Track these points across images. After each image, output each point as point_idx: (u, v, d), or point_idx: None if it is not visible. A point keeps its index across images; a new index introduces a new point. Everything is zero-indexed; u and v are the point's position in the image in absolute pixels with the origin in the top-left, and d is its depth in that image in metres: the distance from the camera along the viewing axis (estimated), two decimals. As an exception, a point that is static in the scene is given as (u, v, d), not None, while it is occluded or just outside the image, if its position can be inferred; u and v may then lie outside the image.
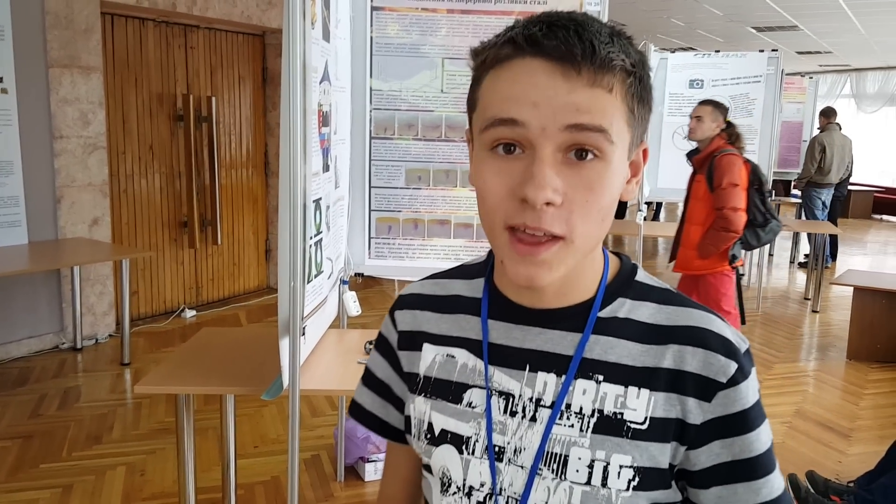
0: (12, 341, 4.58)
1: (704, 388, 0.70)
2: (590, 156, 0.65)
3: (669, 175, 5.76)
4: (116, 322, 5.11)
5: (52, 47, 4.59)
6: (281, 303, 2.02)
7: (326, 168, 2.24)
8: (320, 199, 2.17)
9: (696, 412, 0.70)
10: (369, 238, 2.71)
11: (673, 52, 6.09)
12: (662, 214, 11.11)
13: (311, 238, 2.09)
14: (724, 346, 0.71)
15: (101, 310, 5.07)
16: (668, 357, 0.71)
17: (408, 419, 0.84)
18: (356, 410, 0.91)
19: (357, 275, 2.75)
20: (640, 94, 0.68)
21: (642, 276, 0.78)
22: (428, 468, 0.81)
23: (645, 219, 5.33)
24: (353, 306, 2.62)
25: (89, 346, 4.93)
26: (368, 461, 3.14)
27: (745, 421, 0.71)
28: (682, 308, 0.75)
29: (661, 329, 0.73)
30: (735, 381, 0.70)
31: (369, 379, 0.90)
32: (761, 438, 0.72)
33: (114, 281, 5.10)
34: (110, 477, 3.15)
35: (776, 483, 0.72)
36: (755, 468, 0.71)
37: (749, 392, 0.71)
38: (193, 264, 5.87)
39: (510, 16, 2.56)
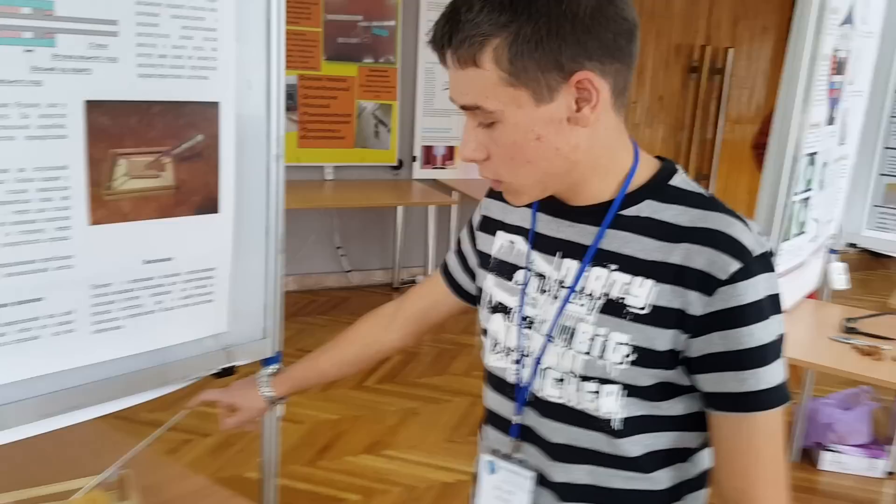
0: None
1: (706, 283, 0.75)
2: (490, 121, 0.77)
3: None
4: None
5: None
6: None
7: (831, 121, 2.03)
8: (816, 153, 1.96)
9: (697, 304, 0.76)
10: (871, 205, 2.43)
11: None
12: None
13: (796, 194, 1.92)
14: (732, 247, 0.76)
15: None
16: (678, 253, 0.77)
17: (480, 290, 0.99)
18: (444, 268, 1.10)
19: (849, 245, 2.48)
20: (519, 48, 0.71)
21: (680, 180, 0.83)
22: (485, 332, 0.97)
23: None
24: (840, 279, 2.39)
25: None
26: (826, 449, 2.83)
27: (740, 316, 0.75)
28: (708, 212, 0.79)
29: (679, 229, 0.79)
30: (734, 279, 0.75)
31: (457, 248, 1.08)
32: (754, 334, 0.76)
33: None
34: (447, 407, 3.24)
35: (765, 378, 0.77)
36: (742, 360, 0.76)
37: (748, 291, 0.75)
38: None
39: None
